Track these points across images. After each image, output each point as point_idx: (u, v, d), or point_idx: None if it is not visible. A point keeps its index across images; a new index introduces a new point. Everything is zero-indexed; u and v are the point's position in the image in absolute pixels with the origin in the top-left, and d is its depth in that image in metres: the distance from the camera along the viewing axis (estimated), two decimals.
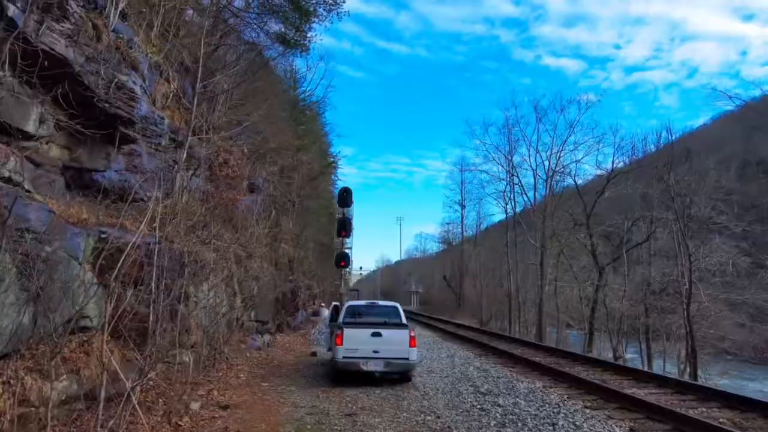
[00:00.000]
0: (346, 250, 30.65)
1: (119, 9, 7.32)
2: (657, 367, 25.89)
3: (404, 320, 10.04)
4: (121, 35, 7.44)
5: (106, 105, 7.14)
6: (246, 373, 9.68)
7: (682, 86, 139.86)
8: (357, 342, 8.86)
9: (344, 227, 25.56)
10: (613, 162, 28.51)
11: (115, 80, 7.15)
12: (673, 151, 21.50)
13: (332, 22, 20.66)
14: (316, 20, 19.43)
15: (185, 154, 11.82)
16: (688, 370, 22.09)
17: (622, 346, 25.91)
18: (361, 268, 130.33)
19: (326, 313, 30.53)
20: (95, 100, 6.66)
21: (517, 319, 35.82)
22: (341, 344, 8.84)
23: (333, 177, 55.23)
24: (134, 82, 7.71)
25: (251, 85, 21.22)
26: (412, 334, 9.08)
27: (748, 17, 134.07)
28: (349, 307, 10.25)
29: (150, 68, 9.90)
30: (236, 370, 9.71)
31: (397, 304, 10.49)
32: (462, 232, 53.15)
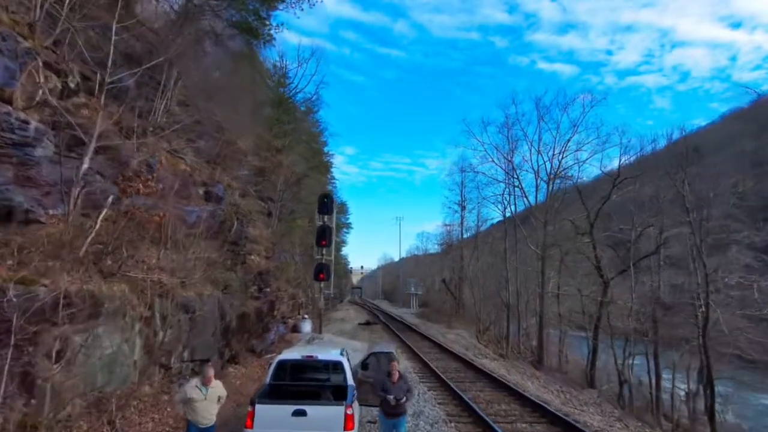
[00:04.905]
0: (328, 260, 28.19)
1: None
2: (666, 381, 23.72)
3: (350, 380, 7.80)
4: None
5: None
6: None
7: (675, 90, 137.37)
8: (272, 424, 6.58)
9: (324, 236, 23.24)
10: (620, 164, 25.83)
11: None
12: (687, 156, 18.82)
13: (303, 10, 18.45)
14: (283, 5, 17.26)
15: (87, 162, 9.65)
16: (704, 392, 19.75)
17: (629, 366, 23.53)
18: (362, 267, 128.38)
19: (308, 327, 28.25)
20: None
21: (517, 328, 33.46)
22: (251, 427, 6.57)
23: (328, 176, 52.85)
24: None
25: (216, 83, 19.02)
26: (349, 411, 6.75)
27: (736, 25, 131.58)
28: (279, 362, 7.95)
29: (16, 57, 7.69)
30: None
31: (343, 359, 8.16)
32: (461, 235, 50.29)
